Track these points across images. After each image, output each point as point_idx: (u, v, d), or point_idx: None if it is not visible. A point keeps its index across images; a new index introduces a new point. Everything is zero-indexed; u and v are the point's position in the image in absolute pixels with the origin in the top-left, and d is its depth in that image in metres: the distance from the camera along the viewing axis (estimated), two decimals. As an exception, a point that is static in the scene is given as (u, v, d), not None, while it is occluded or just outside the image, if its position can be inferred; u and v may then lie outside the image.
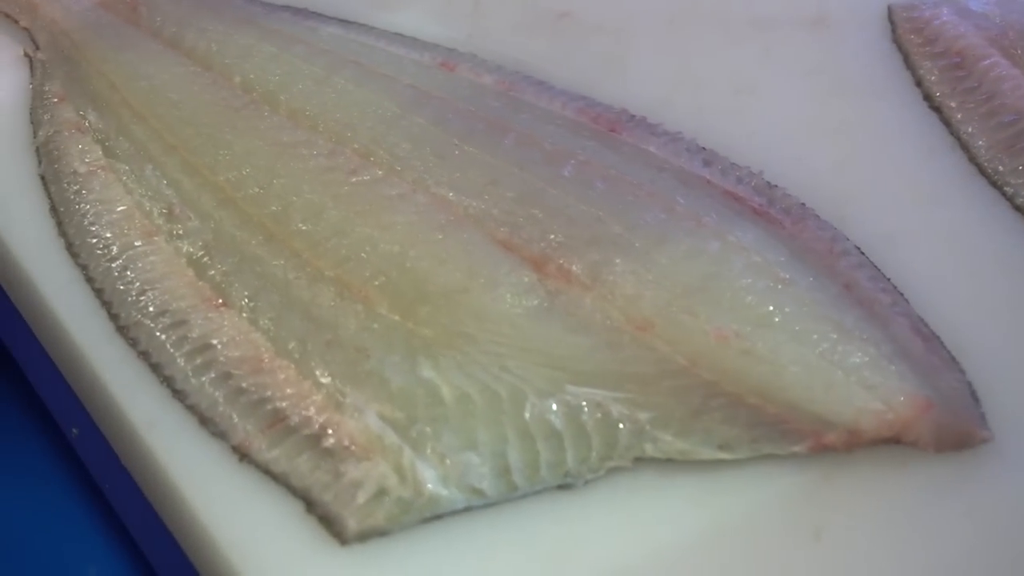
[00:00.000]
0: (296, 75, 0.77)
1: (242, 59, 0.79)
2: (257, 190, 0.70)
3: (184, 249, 0.68)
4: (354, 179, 0.69)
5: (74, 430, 0.70)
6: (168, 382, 0.64)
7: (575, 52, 0.81)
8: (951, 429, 0.59)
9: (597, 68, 0.80)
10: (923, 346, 0.62)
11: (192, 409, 0.62)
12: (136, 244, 0.69)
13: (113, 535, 0.70)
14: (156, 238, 0.69)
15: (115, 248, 0.69)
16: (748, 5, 0.83)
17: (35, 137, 0.76)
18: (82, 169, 0.73)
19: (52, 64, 0.80)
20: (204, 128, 0.74)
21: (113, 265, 0.68)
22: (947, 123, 0.75)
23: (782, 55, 0.80)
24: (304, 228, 0.67)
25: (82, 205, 0.72)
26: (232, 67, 0.78)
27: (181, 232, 0.69)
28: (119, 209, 0.71)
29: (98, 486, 0.70)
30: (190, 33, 0.81)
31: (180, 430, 0.62)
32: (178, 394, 0.63)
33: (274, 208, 0.69)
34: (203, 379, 0.63)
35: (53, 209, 0.72)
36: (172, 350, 0.64)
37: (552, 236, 0.65)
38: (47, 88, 0.79)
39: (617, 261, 0.64)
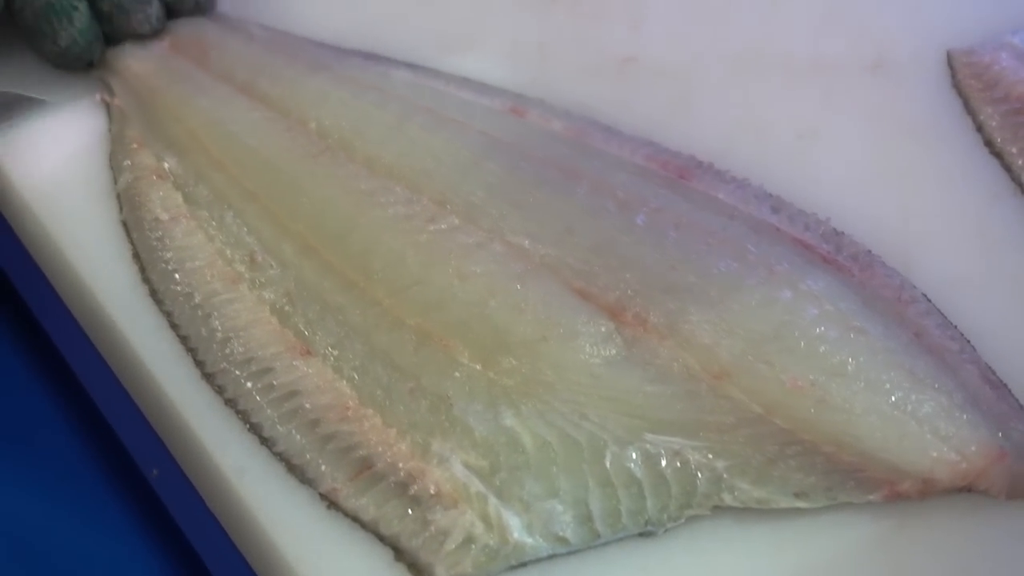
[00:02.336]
0: (370, 122, 0.78)
1: (316, 105, 0.80)
2: (337, 238, 0.71)
3: (267, 297, 0.70)
4: (432, 227, 0.70)
5: (154, 471, 0.70)
6: (255, 429, 0.65)
7: (640, 96, 0.82)
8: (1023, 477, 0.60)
9: (662, 112, 0.81)
10: (992, 394, 0.63)
11: (280, 456, 0.64)
12: (220, 291, 0.70)
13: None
14: (239, 285, 0.70)
15: (199, 295, 0.71)
16: (809, 49, 0.84)
17: (116, 183, 0.77)
18: (164, 216, 0.74)
19: (129, 109, 0.82)
20: (283, 175, 0.75)
21: (198, 312, 0.70)
22: (1008, 168, 0.76)
23: (843, 99, 0.81)
24: (385, 277, 0.69)
25: (165, 252, 0.73)
26: (307, 113, 0.80)
27: (263, 280, 0.70)
28: (201, 256, 0.72)
29: (177, 526, 0.70)
30: (263, 79, 0.82)
31: (269, 476, 0.64)
32: (266, 441, 0.65)
33: (355, 257, 0.70)
34: (290, 427, 0.65)
35: (136, 255, 0.73)
36: (259, 397, 0.66)
37: (628, 285, 0.67)
38: (126, 134, 0.80)
39: (692, 310, 0.65)
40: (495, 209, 0.71)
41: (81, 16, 0.82)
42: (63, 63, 0.84)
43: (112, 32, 0.85)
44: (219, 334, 0.69)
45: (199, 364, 0.68)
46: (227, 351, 0.68)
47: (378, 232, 0.71)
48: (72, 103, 0.85)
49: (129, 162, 0.78)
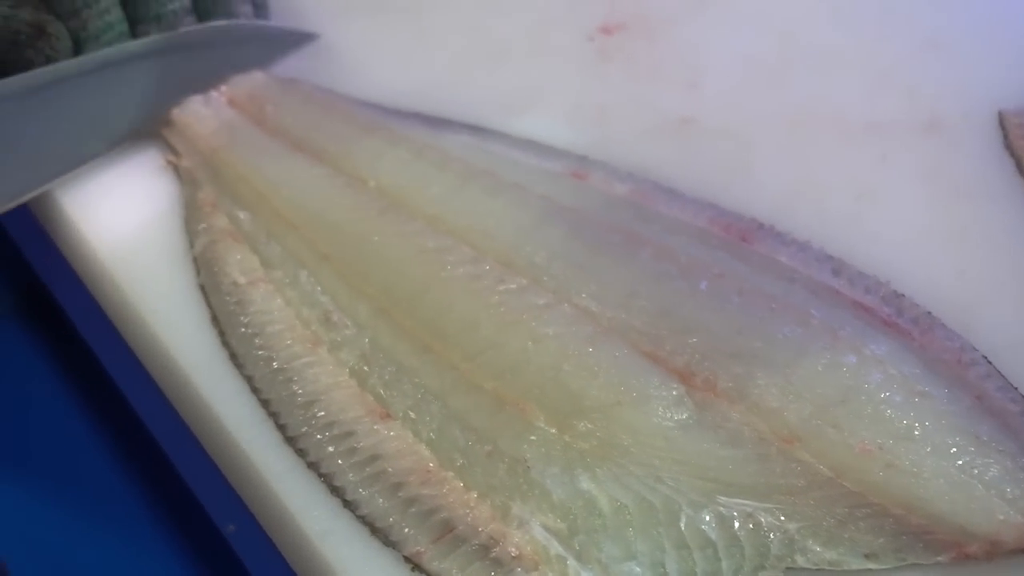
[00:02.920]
0: (430, 182, 0.80)
1: (374, 164, 0.82)
2: (409, 301, 0.73)
3: (345, 359, 0.72)
4: (502, 288, 0.72)
5: (231, 526, 0.72)
6: (338, 492, 0.67)
7: (699, 157, 0.84)
8: (1087, 539, 0.61)
9: (722, 173, 0.82)
10: (1055, 456, 0.65)
11: (363, 519, 0.66)
12: (300, 355, 0.72)
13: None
14: (319, 349, 0.72)
15: (280, 359, 0.72)
16: (864, 110, 0.86)
17: (192, 247, 0.79)
18: (241, 280, 0.76)
19: (197, 171, 0.83)
20: (351, 236, 0.77)
21: (279, 376, 0.72)
22: (1063, 228, 0.77)
23: (899, 160, 0.83)
24: (459, 340, 0.70)
25: (243, 317, 0.75)
26: (365, 172, 0.81)
27: (339, 341, 0.72)
28: (280, 320, 0.74)
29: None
30: (319, 136, 0.84)
31: (352, 539, 0.66)
32: (349, 504, 0.66)
33: (428, 320, 0.72)
34: (373, 490, 0.66)
35: (214, 319, 0.75)
36: (341, 461, 0.68)
37: (695, 349, 0.68)
38: (198, 196, 0.82)
39: (760, 375, 0.67)
40: (559, 272, 0.73)
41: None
42: None
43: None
44: (300, 398, 0.70)
45: (281, 428, 0.70)
46: (309, 415, 0.70)
47: (449, 294, 0.72)
48: (142, 165, 0.86)
49: (204, 225, 0.80)
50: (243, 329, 0.74)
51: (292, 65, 0.92)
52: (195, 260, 0.79)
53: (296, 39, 0.90)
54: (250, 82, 0.88)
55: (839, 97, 0.87)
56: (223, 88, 0.88)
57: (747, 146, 0.85)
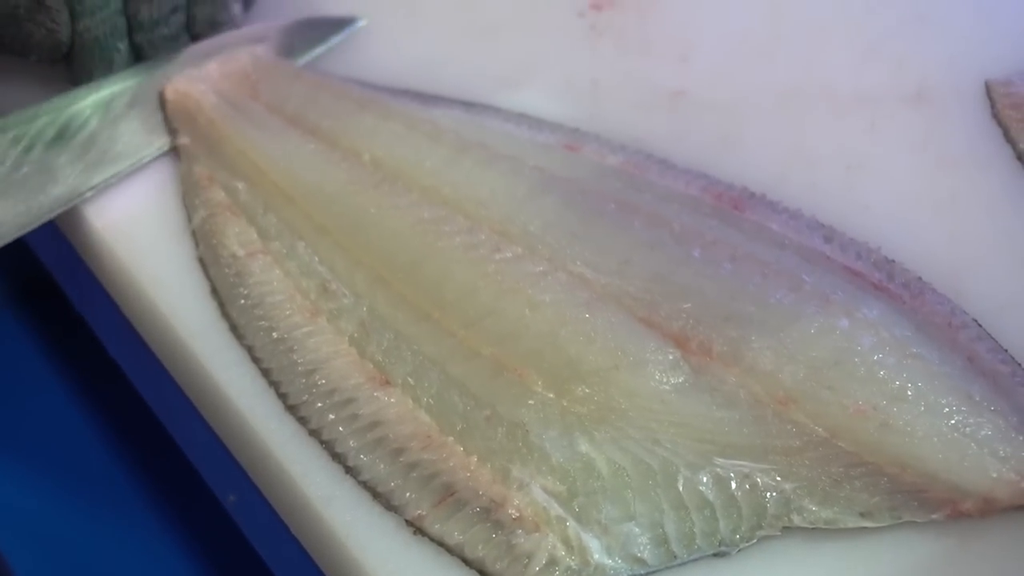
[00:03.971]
0: (423, 155, 0.80)
1: (368, 138, 0.82)
2: (407, 270, 0.73)
3: (344, 328, 0.72)
4: (498, 256, 0.73)
5: (231, 497, 0.73)
6: (339, 459, 0.68)
7: (691, 130, 0.85)
8: (1080, 495, 0.62)
9: (713, 145, 0.83)
10: (1045, 415, 0.66)
11: (365, 484, 0.66)
12: (300, 324, 0.73)
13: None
14: (318, 319, 0.73)
15: (280, 330, 0.73)
16: (853, 82, 0.87)
17: (190, 221, 0.80)
18: (240, 252, 0.77)
19: (195, 146, 0.84)
20: (348, 208, 0.77)
21: (279, 347, 0.72)
22: (1050, 196, 0.78)
23: (888, 130, 0.84)
24: (457, 307, 0.71)
25: (243, 288, 0.76)
26: (359, 145, 0.82)
27: (338, 310, 0.73)
28: (280, 291, 0.75)
29: (256, 552, 0.73)
30: (312, 112, 0.85)
31: (355, 505, 0.66)
32: (350, 470, 0.67)
33: (426, 288, 0.73)
34: (374, 456, 0.67)
35: (214, 291, 0.76)
36: (343, 428, 0.68)
37: (689, 315, 0.69)
38: (195, 171, 0.82)
39: (754, 338, 0.68)
40: (554, 240, 0.73)
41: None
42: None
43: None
44: (301, 367, 0.71)
45: (282, 396, 0.71)
46: (310, 383, 0.70)
47: (447, 263, 0.73)
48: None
49: (201, 199, 0.81)
50: (243, 300, 0.75)
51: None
52: (193, 233, 0.80)
53: (339, 25, 0.91)
54: (243, 58, 0.88)
55: (828, 69, 0.88)
56: (216, 64, 0.87)
57: (738, 118, 0.85)
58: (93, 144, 0.82)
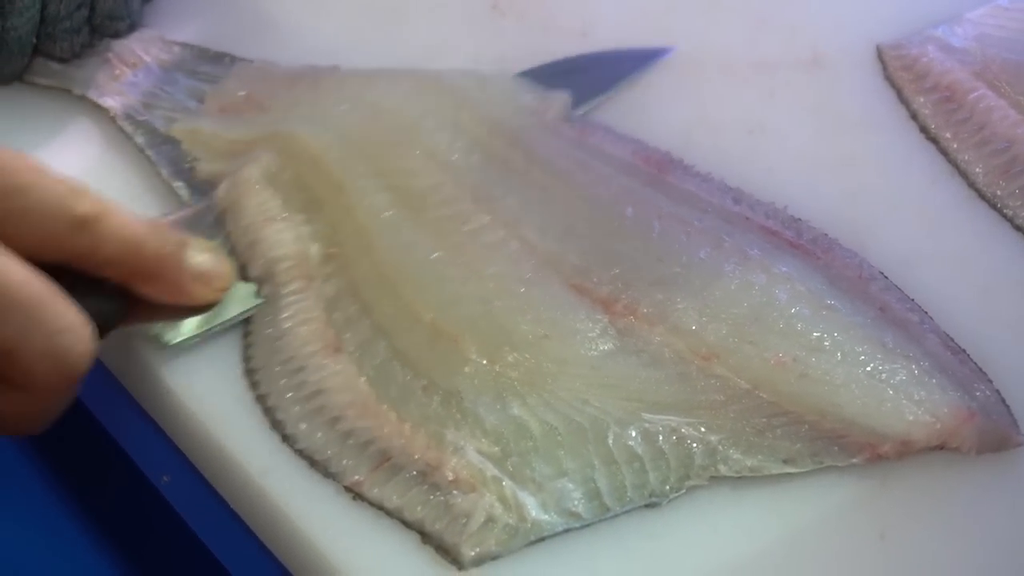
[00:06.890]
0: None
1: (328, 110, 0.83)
2: (384, 243, 0.74)
3: (326, 293, 0.73)
4: (466, 228, 0.75)
5: (165, 477, 0.73)
6: (279, 427, 0.68)
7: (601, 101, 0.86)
8: (991, 434, 0.66)
9: (617, 117, 0.85)
10: (954, 359, 0.69)
11: (301, 453, 0.67)
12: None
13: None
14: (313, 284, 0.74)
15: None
16: (749, 51, 0.89)
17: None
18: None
19: None
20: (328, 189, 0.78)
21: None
22: (944, 152, 0.82)
23: (785, 96, 0.87)
24: (414, 275, 0.72)
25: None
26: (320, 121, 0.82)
27: (328, 274, 0.74)
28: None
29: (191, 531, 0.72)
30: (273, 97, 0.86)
31: (293, 474, 0.67)
32: (287, 439, 0.68)
33: (396, 258, 0.73)
34: (313, 424, 0.68)
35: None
36: (290, 395, 0.69)
37: (619, 279, 0.72)
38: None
39: (678, 298, 0.70)
40: (516, 205, 0.76)
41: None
42: None
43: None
44: (272, 332, 0.72)
45: (246, 360, 0.71)
46: (272, 348, 0.71)
47: (424, 234, 0.75)
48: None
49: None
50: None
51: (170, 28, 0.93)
52: None
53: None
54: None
55: (724, 39, 0.91)
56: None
57: (640, 89, 0.87)
58: None
